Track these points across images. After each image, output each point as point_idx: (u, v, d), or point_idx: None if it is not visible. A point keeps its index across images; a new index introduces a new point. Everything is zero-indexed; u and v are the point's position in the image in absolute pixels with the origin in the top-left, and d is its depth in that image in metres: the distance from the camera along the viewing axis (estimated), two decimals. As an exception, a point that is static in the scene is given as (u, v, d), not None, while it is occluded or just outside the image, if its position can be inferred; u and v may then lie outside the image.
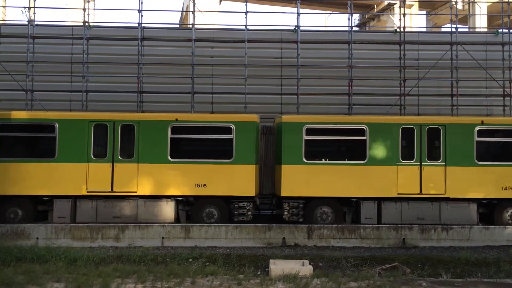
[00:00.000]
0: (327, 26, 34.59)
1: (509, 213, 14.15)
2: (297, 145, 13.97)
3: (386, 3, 37.35)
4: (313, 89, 18.14)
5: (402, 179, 13.95)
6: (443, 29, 36.08)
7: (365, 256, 11.11)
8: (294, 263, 9.92)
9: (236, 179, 13.84)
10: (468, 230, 12.73)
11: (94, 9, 21.38)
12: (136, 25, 17.74)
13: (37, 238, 12.06)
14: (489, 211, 14.34)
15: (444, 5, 34.52)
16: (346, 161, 14.25)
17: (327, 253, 11.40)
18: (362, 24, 41.01)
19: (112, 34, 18.44)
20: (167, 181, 13.81)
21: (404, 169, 14.02)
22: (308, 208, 14.15)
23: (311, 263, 10.17)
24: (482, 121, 14.34)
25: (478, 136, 14.13)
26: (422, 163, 14.04)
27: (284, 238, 12.47)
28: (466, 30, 31.83)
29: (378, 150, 14.07)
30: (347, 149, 14.93)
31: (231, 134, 13.97)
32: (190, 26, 18.58)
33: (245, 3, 18.55)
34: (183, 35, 18.91)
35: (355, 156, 14.27)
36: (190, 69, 17.36)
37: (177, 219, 14.07)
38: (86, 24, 18.03)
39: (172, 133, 13.96)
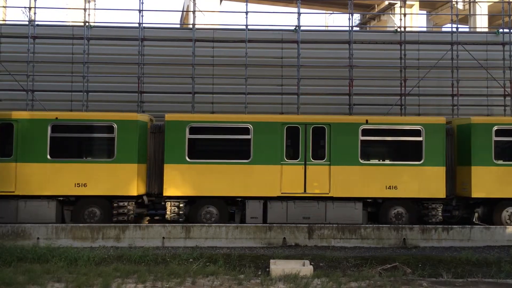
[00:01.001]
0: (327, 26, 34.57)
1: (394, 212, 14.04)
2: (180, 144, 13.80)
3: (386, 3, 37.36)
4: (314, 89, 18.14)
5: (286, 179, 13.77)
6: (443, 29, 36.02)
7: (366, 256, 11.11)
8: (294, 263, 9.91)
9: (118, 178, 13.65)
10: (469, 230, 12.73)
11: (94, 9, 21.37)
12: (137, 25, 17.76)
13: (38, 238, 12.08)
14: (377, 210, 14.26)
15: (445, 5, 34.50)
16: (230, 161, 14.02)
17: (327, 253, 11.40)
18: (362, 24, 41.02)
19: (113, 34, 18.44)
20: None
21: (288, 168, 13.85)
22: (194, 207, 14.01)
23: (312, 263, 10.17)
24: (367, 120, 14.16)
25: (362, 135, 13.99)
26: (307, 163, 13.90)
27: (284, 238, 12.47)
28: (467, 30, 31.80)
29: (262, 149, 13.87)
30: (232, 148, 14.73)
31: (113, 133, 13.79)
32: (191, 26, 18.58)
33: (245, 3, 18.55)
34: (183, 35, 18.90)
35: (240, 155, 14.12)
36: (191, 69, 17.37)
37: None
38: (87, 24, 18.03)
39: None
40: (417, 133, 14.12)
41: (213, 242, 12.33)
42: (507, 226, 13.03)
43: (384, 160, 14.62)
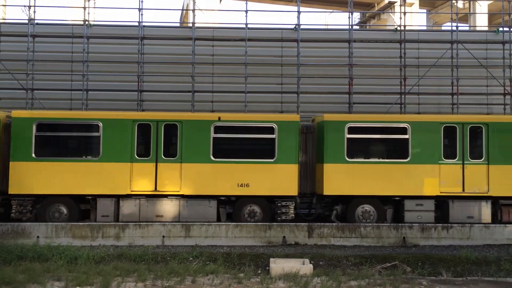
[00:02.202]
0: (327, 25, 34.53)
1: (248, 210, 13.88)
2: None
3: (386, 1, 37.32)
4: (314, 88, 18.13)
5: (137, 177, 13.59)
6: (443, 28, 36.06)
7: (366, 255, 11.12)
8: (294, 262, 9.93)
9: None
10: (469, 229, 12.75)
11: (94, 7, 21.30)
12: (137, 23, 17.73)
13: (38, 237, 12.09)
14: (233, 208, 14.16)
15: (445, 3, 34.53)
16: (80, 158, 13.91)
17: (327, 251, 11.41)
18: (362, 22, 40.98)
19: (113, 32, 18.41)
20: None
21: (139, 166, 13.67)
22: (41, 206, 13.70)
23: (312, 261, 10.17)
24: (219, 118, 14.05)
25: (215, 133, 13.86)
26: (159, 161, 13.74)
27: (284, 236, 12.49)
28: (467, 28, 31.82)
29: (114, 147, 13.68)
30: (83, 145, 14.54)
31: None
32: (191, 24, 18.54)
33: (245, 2, 18.51)
34: (183, 34, 18.90)
35: (90, 153, 14.02)
36: (191, 67, 17.36)
37: None
38: (87, 22, 18.00)
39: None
40: (270, 130, 13.98)
41: (213, 241, 12.34)
42: (507, 225, 13.01)
43: (237, 158, 14.16)
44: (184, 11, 31.26)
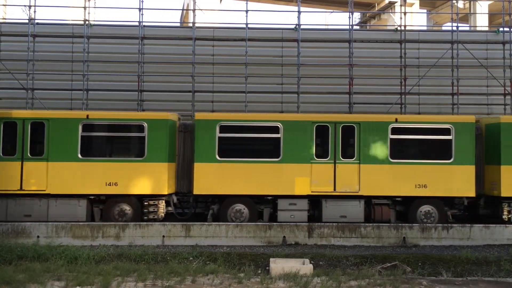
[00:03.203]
0: (327, 25, 34.54)
1: (117, 209, 13.68)
2: None
3: (387, 1, 37.31)
4: (314, 88, 18.14)
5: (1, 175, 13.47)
6: (443, 28, 36.04)
7: (366, 255, 11.11)
8: (294, 262, 9.92)
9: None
10: (469, 229, 12.74)
11: (94, 7, 21.31)
12: (137, 23, 17.75)
13: (38, 237, 12.09)
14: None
15: (445, 3, 34.51)
16: None
17: (327, 251, 11.40)
18: (362, 22, 40.97)
19: (113, 32, 18.43)
20: None
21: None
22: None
23: (312, 261, 10.17)
24: (88, 116, 13.84)
25: (83, 131, 13.65)
26: (24, 158, 13.52)
27: (284, 236, 12.48)
28: (467, 28, 31.80)
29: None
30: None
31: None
32: (191, 24, 18.57)
33: (245, 2, 18.53)
34: (183, 34, 18.92)
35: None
36: (191, 67, 17.38)
37: None
38: (87, 22, 18.02)
39: None
40: (141, 128, 13.84)
41: (213, 241, 12.33)
42: (507, 225, 13.01)
43: (106, 156, 14.04)
44: (185, 11, 31.28)
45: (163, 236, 12.37)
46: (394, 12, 35.14)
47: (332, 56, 18.51)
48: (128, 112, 15.47)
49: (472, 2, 30.30)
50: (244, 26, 17.79)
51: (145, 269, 9.31)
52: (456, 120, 14.42)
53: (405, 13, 18.99)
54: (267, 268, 9.81)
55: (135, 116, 14.44)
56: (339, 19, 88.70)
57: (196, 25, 18.28)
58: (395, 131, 14.10)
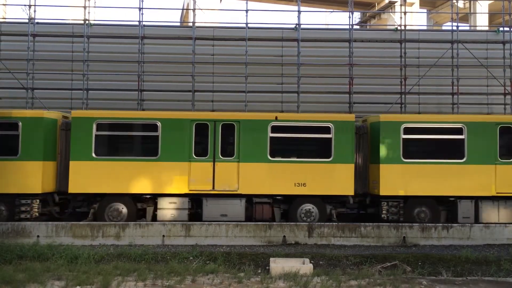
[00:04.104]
0: (328, 24, 34.55)
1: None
2: None
3: (387, 1, 37.35)
4: (314, 87, 18.14)
5: None
6: (444, 27, 36.08)
7: (366, 255, 11.12)
8: (294, 261, 9.93)
9: None
10: (469, 228, 12.74)
11: (94, 7, 21.31)
12: (137, 23, 17.74)
13: (38, 236, 12.09)
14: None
15: (445, 3, 34.55)
16: None
17: (327, 251, 11.41)
18: (363, 22, 40.99)
19: (113, 32, 18.41)
20: None
21: None
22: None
23: (312, 261, 10.18)
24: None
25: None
26: None
27: (284, 236, 12.48)
28: (467, 28, 31.82)
29: None
30: None
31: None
32: (191, 24, 18.56)
33: (245, 1, 18.52)
34: (183, 33, 18.91)
35: None
36: (191, 67, 17.37)
37: None
38: (87, 22, 18.01)
39: None
40: (15, 127, 13.71)
41: (213, 240, 12.34)
42: (507, 225, 13.02)
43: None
44: (185, 10, 31.28)
45: (163, 236, 12.37)
46: (394, 12, 35.17)
47: (332, 56, 18.50)
48: (4, 110, 15.09)
49: (472, 2, 30.32)
50: (244, 25, 17.79)
51: (145, 269, 9.31)
52: (335, 119, 14.28)
53: (405, 12, 18.98)
54: (267, 267, 9.82)
55: (9, 115, 14.12)
56: (339, 19, 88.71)
57: (196, 24, 18.27)
58: (275, 129, 14.03)
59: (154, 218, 13.97)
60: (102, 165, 13.72)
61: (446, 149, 14.60)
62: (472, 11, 31.39)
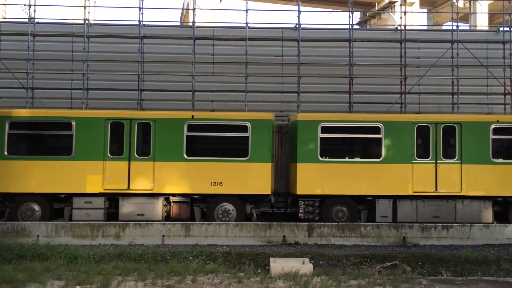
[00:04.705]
0: (328, 24, 34.55)
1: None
2: None
3: (387, 1, 37.36)
4: (314, 87, 18.14)
5: None
6: (444, 27, 36.09)
7: (366, 254, 11.12)
8: (294, 261, 9.93)
9: None
10: (469, 228, 12.75)
11: (94, 6, 21.33)
12: (137, 23, 17.74)
13: (38, 236, 12.09)
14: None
15: (445, 3, 34.56)
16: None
17: (327, 251, 11.41)
18: (363, 22, 41.01)
19: (113, 32, 18.41)
20: None
21: None
22: None
23: (312, 261, 10.17)
24: None
25: None
26: None
27: (284, 236, 12.48)
28: (467, 28, 31.80)
29: None
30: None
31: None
32: (191, 24, 18.56)
33: (245, 1, 18.51)
34: (183, 33, 18.90)
35: None
36: (191, 67, 17.37)
37: None
38: (87, 21, 18.00)
39: None
40: None
41: (213, 240, 12.34)
42: (507, 225, 13.02)
43: None
44: (185, 10, 31.28)
45: (163, 236, 12.37)
46: (394, 12, 35.18)
47: (332, 56, 18.50)
48: None
49: (472, 2, 30.32)
50: (244, 25, 17.79)
51: (145, 269, 9.31)
52: (252, 117, 14.20)
53: (405, 12, 18.98)
54: (267, 267, 9.81)
55: None
56: (339, 19, 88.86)
57: (196, 24, 18.27)
58: (192, 128, 13.96)
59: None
60: (15, 164, 13.60)
61: (364, 148, 14.67)
62: (472, 11, 31.39)
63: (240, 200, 14.07)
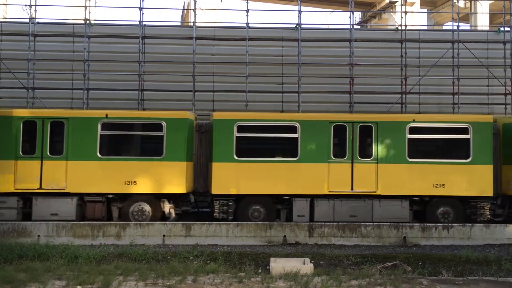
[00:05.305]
0: (328, 24, 34.54)
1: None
2: None
3: (387, 1, 37.33)
4: (315, 87, 18.15)
5: None
6: (444, 27, 36.06)
7: (366, 254, 11.11)
8: (295, 261, 9.92)
9: None
10: (469, 228, 12.74)
11: (95, 6, 21.35)
12: (137, 23, 17.77)
13: (39, 236, 12.10)
14: None
15: (446, 3, 34.55)
16: None
17: (328, 251, 11.41)
18: (363, 22, 40.98)
19: (113, 32, 18.43)
20: None
21: None
22: None
23: (312, 261, 10.17)
24: None
25: None
26: None
27: (285, 236, 12.48)
28: (468, 28, 31.81)
29: None
30: None
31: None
32: (191, 24, 18.57)
33: (246, 1, 18.53)
34: (184, 33, 18.91)
35: None
36: (191, 67, 17.38)
37: None
38: (87, 22, 18.02)
39: None
40: None
41: (214, 240, 12.34)
42: (507, 225, 13.02)
43: None
44: (185, 10, 31.26)
45: (164, 236, 12.38)
46: (395, 12, 35.16)
47: (332, 56, 18.52)
48: None
49: (473, 2, 30.31)
50: (244, 25, 17.81)
51: (146, 269, 9.31)
52: (167, 116, 14.03)
53: (405, 12, 19.00)
54: (267, 267, 9.81)
55: None
56: (339, 19, 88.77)
57: (197, 24, 18.29)
58: (105, 127, 13.81)
59: None
60: None
61: (280, 147, 14.55)
62: (472, 11, 31.38)
63: (156, 199, 13.97)
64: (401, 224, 12.89)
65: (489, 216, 14.17)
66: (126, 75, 17.83)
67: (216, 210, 13.93)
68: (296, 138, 13.98)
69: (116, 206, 14.02)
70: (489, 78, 18.14)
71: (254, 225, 12.64)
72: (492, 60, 18.55)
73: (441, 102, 18.52)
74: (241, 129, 14.00)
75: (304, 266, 9.48)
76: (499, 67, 18.17)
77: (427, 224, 12.91)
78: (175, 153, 13.76)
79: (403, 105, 17.62)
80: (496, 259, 10.70)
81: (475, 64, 17.90)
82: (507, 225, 13.04)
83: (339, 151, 14.05)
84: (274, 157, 14.13)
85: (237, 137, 13.93)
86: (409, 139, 14.06)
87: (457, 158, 14.16)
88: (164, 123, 13.83)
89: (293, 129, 14.04)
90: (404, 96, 17.69)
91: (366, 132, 14.12)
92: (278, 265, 9.51)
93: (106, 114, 13.89)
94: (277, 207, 14.24)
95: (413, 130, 14.11)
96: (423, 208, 14.28)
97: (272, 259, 10.01)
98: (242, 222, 13.01)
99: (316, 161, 13.93)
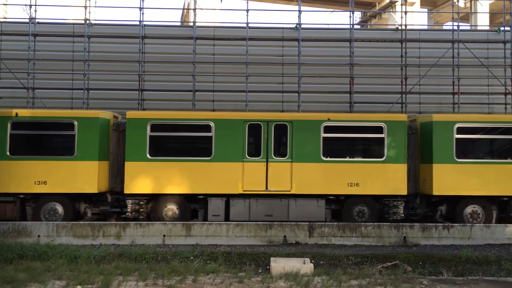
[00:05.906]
0: (328, 24, 34.56)
1: None
2: None
3: (387, 0, 37.36)
4: (315, 87, 18.14)
5: None
6: (444, 27, 36.07)
7: (366, 254, 11.11)
8: (295, 261, 9.92)
9: None
10: (470, 228, 12.74)
11: (95, 6, 21.34)
12: (137, 23, 17.75)
13: (39, 236, 12.10)
14: None
15: (446, 2, 34.54)
16: None
17: (328, 251, 11.41)
18: (363, 22, 41.00)
19: (114, 32, 18.41)
20: None
21: None
22: None
23: (312, 261, 10.17)
24: None
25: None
26: None
27: (285, 236, 12.48)
28: (468, 28, 31.81)
29: None
30: None
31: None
32: (191, 24, 18.56)
33: (246, 1, 18.53)
34: (184, 33, 18.90)
35: None
36: (191, 67, 17.37)
37: None
38: (88, 21, 18.01)
39: None
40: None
41: (214, 240, 12.34)
42: (507, 225, 13.02)
43: None
44: (185, 10, 31.27)
45: (164, 236, 12.38)
46: (395, 11, 35.18)
47: (332, 55, 18.50)
48: None
49: (473, 1, 30.33)
50: (244, 25, 17.79)
51: (146, 268, 9.31)
52: (79, 115, 14.09)
53: (405, 12, 18.96)
54: (267, 267, 9.81)
55: None
56: (339, 18, 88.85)
57: (197, 24, 18.28)
58: (15, 126, 13.71)
59: None
60: None
61: (195, 146, 14.58)
62: (473, 11, 31.38)
63: (69, 199, 13.87)
64: (401, 224, 12.90)
65: (403, 215, 14.14)
66: (126, 75, 17.82)
67: (128, 210, 13.86)
68: (211, 137, 13.97)
69: (30, 206, 13.94)
70: (489, 78, 18.12)
71: (254, 225, 12.64)
72: (492, 60, 18.53)
73: (441, 102, 18.51)
74: (154, 128, 13.94)
75: (304, 266, 9.48)
76: (499, 67, 18.15)
77: (428, 224, 12.91)
78: (87, 152, 13.70)
79: (403, 105, 17.61)
80: (496, 259, 10.70)
81: (475, 64, 17.89)
82: (507, 225, 13.05)
83: (254, 150, 14.05)
84: (189, 156, 14.06)
85: (150, 136, 13.88)
86: (324, 138, 14.02)
87: (371, 157, 14.26)
88: (75, 122, 13.79)
89: (207, 128, 14.01)
90: (404, 96, 17.67)
91: (281, 131, 14.10)
92: (278, 265, 9.51)
93: (16, 113, 13.82)
94: (193, 206, 14.19)
95: (328, 129, 14.06)
96: (341, 207, 14.29)
97: (272, 259, 10.02)
98: (242, 222, 13.01)
99: (230, 160, 13.89)
